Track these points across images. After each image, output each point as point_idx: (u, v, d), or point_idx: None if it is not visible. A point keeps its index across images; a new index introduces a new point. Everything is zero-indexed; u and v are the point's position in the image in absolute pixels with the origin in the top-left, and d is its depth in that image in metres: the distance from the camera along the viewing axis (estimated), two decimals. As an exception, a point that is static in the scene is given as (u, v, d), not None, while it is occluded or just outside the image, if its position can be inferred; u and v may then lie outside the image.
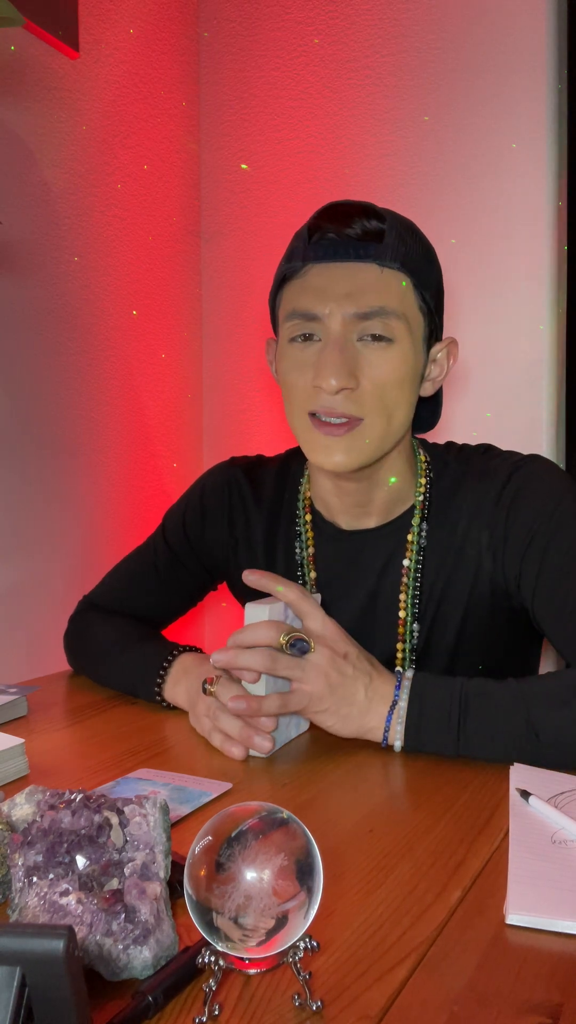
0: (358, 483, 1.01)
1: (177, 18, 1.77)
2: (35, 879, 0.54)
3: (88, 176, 1.52)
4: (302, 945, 0.50)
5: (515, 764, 0.83)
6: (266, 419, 1.83)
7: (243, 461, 1.18)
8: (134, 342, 1.66)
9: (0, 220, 1.31)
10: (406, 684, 0.89)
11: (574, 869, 0.65)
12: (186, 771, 0.86)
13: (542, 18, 1.50)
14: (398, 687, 0.89)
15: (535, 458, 1.03)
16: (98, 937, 0.52)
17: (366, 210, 0.94)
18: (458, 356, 1.04)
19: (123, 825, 0.56)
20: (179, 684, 1.02)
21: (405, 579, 1.02)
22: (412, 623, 1.02)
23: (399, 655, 1.03)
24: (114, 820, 0.56)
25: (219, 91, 1.83)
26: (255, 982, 0.53)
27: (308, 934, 0.50)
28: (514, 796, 0.76)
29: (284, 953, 0.49)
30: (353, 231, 0.92)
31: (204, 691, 0.90)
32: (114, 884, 0.54)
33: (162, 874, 0.56)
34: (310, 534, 1.08)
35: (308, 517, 1.09)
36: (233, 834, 0.49)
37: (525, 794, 0.75)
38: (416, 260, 0.95)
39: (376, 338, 0.93)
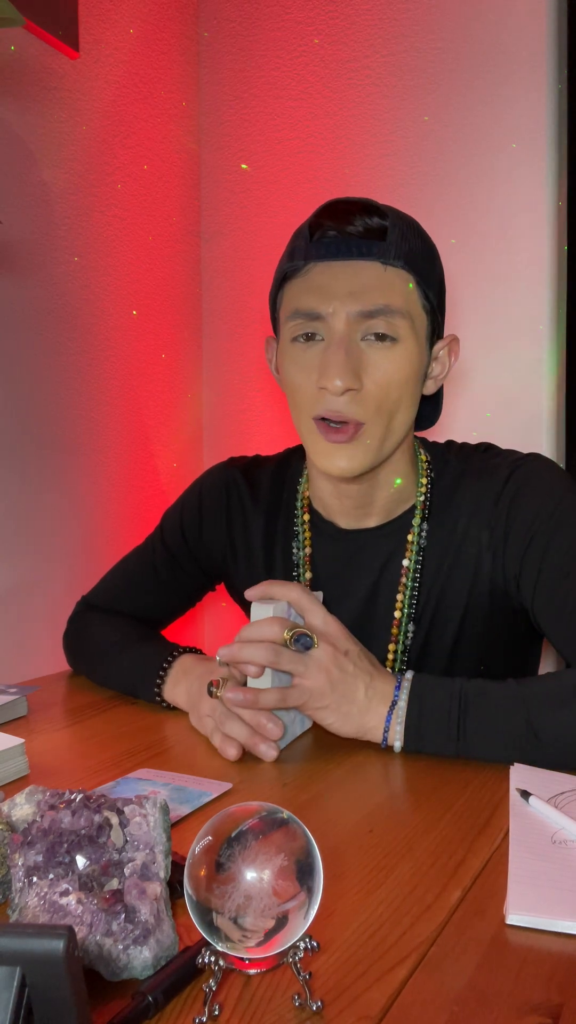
0: (359, 485, 1.01)
1: (177, 18, 1.77)
2: (35, 879, 0.54)
3: (88, 176, 1.52)
4: (302, 945, 0.50)
5: (515, 764, 0.83)
6: (266, 419, 1.83)
7: (241, 462, 1.18)
8: (134, 342, 1.66)
9: (0, 220, 1.31)
10: (406, 684, 0.89)
11: (574, 869, 0.65)
12: (186, 771, 0.86)
13: (542, 18, 1.50)
14: (398, 687, 0.89)
15: (535, 457, 1.02)
16: (98, 937, 0.52)
17: (368, 207, 0.93)
18: (459, 354, 1.04)
19: (123, 825, 0.56)
20: (179, 684, 1.02)
21: (404, 579, 1.02)
22: (407, 624, 1.02)
23: (390, 655, 1.03)
24: (114, 820, 0.56)
25: (219, 91, 1.83)
26: (255, 982, 0.53)
27: (308, 934, 0.50)
28: (514, 796, 0.76)
29: (284, 953, 0.49)
30: (355, 228, 0.92)
31: (210, 694, 0.90)
32: (114, 884, 0.54)
33: (162, 874, 0.56)
34: (307, 534, 1.08)
35: (306, 517, 1.09)
36: (233, 834, 0.49)
37: (525, 794, 0.75)
38: (419, 257, 0.94)
39: (380, 337, 0.92)
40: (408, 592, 1.02)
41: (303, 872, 0.49)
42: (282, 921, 0.48)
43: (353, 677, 0.88)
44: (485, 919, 0.59)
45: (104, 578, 1.24)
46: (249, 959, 0.49)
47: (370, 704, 0.89)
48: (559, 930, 0.58)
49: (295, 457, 1.15)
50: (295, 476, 1.12)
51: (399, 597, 1.02)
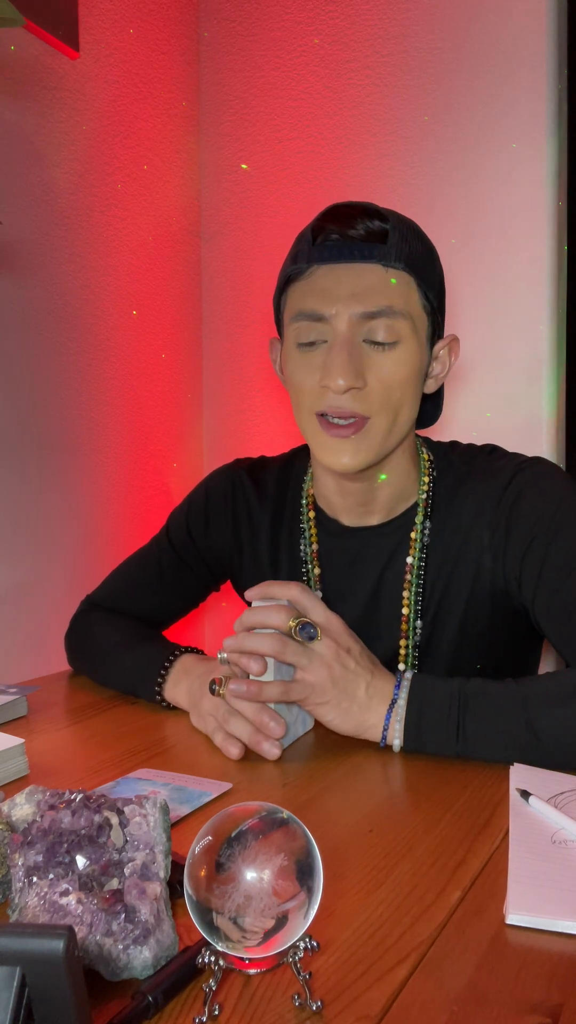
0: (361, 483, 1.02)
1: (177, 18, 1.77)
2: (35, 879, 0.54)
3: (88, 176, 1.52)
4: (302, 945, 0.50)
5: (515, 764, 0.83)
6: (266, 419, 1.83)
7: (246, 463, 1.20)
8: (134, 342, 1.66)
9: (0, 220, 1.31)
10: (405, 684, 0.89)
11: (574, 869, 0.65)
12: (186, 771, 0.86)
13: (542, 18, 1.50)
14: (397, 686, 0.89)
15: (539, 460, 1.03)
16: (98, 937, 0.52)
17: (369, 211, 0.95)
18: (459, 353, 1.05)
19: (123, 825, 0.56)
20: (180, 684, 1.02)
21: (408, 576, 1.03)
22: (415, 619, 1.03)
23: (402, 651, 1.04)
24: (114, 820, 0.56)
25: (219, 91, 1.83)
26: (255, 982, 0.53)
27: (308, 934, 0.50)
28: (514, 796, 0.76)
29: (284, 953, 0.49)
30: (357, 232, 0.93)
31: (212, 692, 0.90)
32: (114, 884, 0.54)
33: (162, 874, 0.56)
34: (313, 531, 1.09)
35: (311, 514, 1.10)
36: (233, 834, 0.49)
37: (525, 794, 0.75)
38: (419, 259, 0.96)
39: (379, 344, 0.94)
40: (413, 588, 1.03)
41: (303, 872, 0.49)
42: (282, 921, 0.48)
43: (354, 674, 0.89)
44: (485, 919, 0.59)
45: (108, 578, 1.25)
46: (249, 959, 0.49)
47: (370, 702, 0.89)
48: (559, 930, 0.58)
49: (299, 457, 1.16)
50: (300, 475, 1.14)
51: (405, 594, 1.03)
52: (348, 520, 1.07)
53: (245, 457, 1.22)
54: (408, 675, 0.90)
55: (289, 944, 0.49)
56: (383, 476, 1.02)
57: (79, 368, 1.51)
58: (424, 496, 1.04)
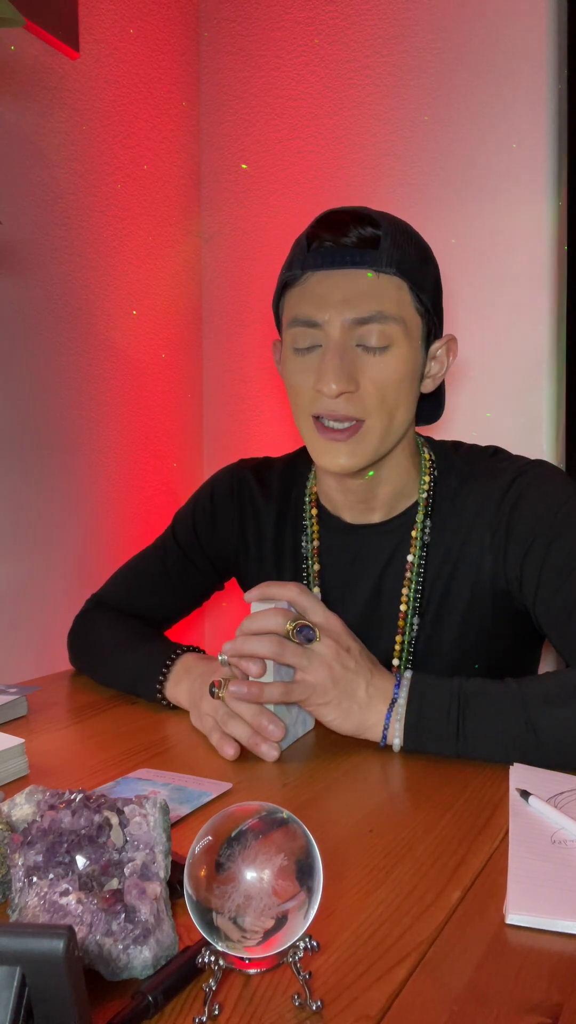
0: (361, 481, 1.03)
1: (177, 18, 1.77)
2: (35, 879, 0.54)
3: (88, 176, 1.52)
4: (302, 945, 0.50)
5: (515, 764, 0.84)
6: (266, 419, 1.83)
7: (251, 463, 1.21)
8: (134, 342, 1.66)
9: (0, 220, 1.31)
10: (405, 683, 0.89)
11: (574, 869, 0.65)
12: (186, 771, 0.86)
13: (542, 18, 1.50)
14: (397, 686, 0.89)
15: (541, 464, 1.04)
16: (98, 937, 0.52)
17: (362, 217, 0.96)
18: (458, 352, 1.06)
19: (123, 825, 0.56)
20: (180, 683, 1.02)
21: (408, 573, 1.04)
22: (412, 617, 1.03)
23: (396, 647, 1.04)
24: (114, 820, 0.56)
25: (219, 91, 1.83)
26: (255, 982, 0.53)
27: (308, 934, 0.50)
28: (514, 796, 0.76)
29: (284, 953, 0.49)
30: (349, 239, 0.95)
31: (212, 694, 0.91)
32: (114, 884, 0.54)
33: (162, 874, 0.56)
34: (315, 528, 1.10)
35: (314, 512, 1.11)
36: (233, 834, 0.49)
37: (525, 794, 0.75)
38: (411, 263, 0.97)
39: (370, 349, 0.95)
40: (412, 586, 1.03)
41: (303, 872, 0.49)
42: (282, 921, 0.48)
43: (355, 674, 0.89)
44: (485, 919, 0.59)
45: (114, 576, 1.26)
46: (249, 959, 0.49)
47: (371, 702, 0.89)
48: (559, 930, 0.58)
49: (303, 455, 1.17)
50: (304, 473, 1.15)
51: (404, 591, 1.03)
52: (350, 517, 1.08)
53: (250, 457, 1.23)
54: (408, 675, 0.90)
55: (289, 944, 0.49)
56: (371, 473, 1.03)
57: (79, 368, 1.51)
58: (425, 495, 1.05)
